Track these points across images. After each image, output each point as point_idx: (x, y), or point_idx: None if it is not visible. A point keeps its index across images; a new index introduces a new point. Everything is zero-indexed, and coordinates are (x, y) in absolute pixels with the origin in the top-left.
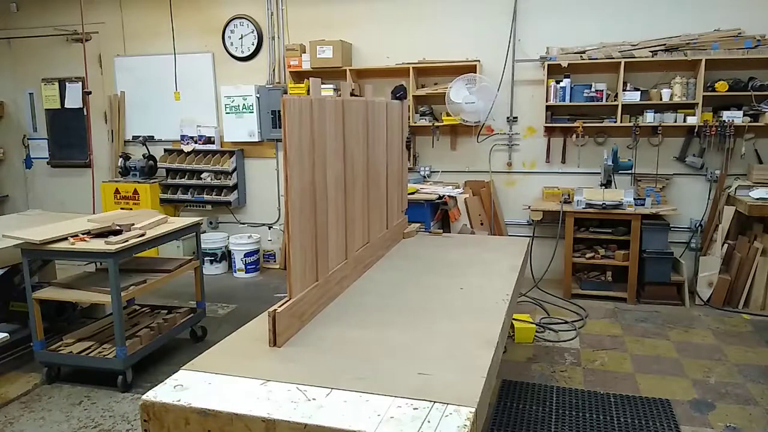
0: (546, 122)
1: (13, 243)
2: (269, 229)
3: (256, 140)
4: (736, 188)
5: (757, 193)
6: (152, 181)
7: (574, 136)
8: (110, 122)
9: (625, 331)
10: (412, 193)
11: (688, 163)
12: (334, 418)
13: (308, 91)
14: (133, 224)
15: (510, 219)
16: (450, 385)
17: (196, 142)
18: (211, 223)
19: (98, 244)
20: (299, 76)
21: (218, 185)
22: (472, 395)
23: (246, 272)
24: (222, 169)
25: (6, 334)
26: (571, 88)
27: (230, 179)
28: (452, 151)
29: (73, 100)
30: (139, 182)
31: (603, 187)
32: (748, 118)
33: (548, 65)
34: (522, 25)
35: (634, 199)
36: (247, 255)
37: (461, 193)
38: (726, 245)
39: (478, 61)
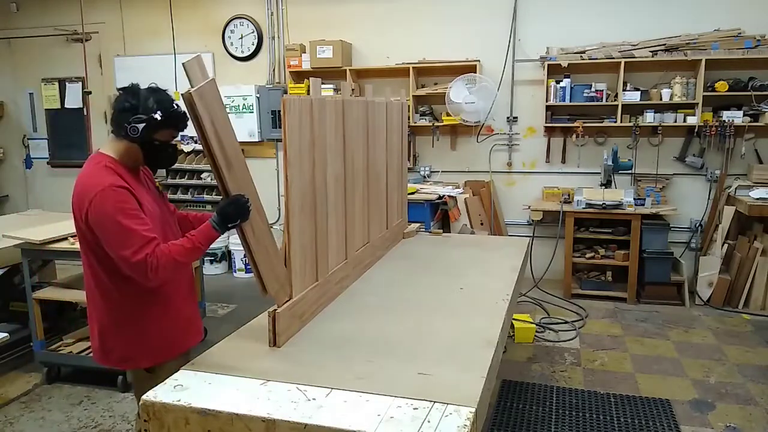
0: (546, 122)
1: (13, 243)
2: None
3: (256, 140)
4: (736, 188)
5: (757, 193)
6: None
7: (574, 136)
8: (110, 122)
9: (625, 331)
10: (412, 193)
11: (688, 163)
12: (334, 418)
13: (308, 91)
14: None
15: (510, 219)
16: (450, 385)
17: (196, 142)
18: None
19: None
20: (299, 76)
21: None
22: (472, 395)
23: (246, 272)
24: None
25: (6, 334)
26: (571, 88)
27: None
28: (452, 151)
29: (73, 100)
30: None
31: (603, 187)
32: (748, 118)
33: (548, 65)
34: (522, 25)
35: (634, 199)
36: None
37: (461, 193)
38: (726, 245)
39: (478, 61)
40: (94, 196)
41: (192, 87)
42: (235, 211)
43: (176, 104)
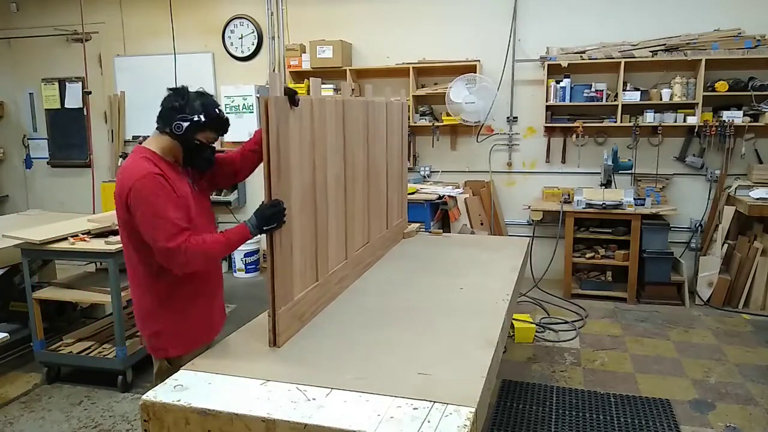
0: (546, 122)
1: (13, 243)
2: None
3: None
4: (736, 188)
5: (757, 193)
6: None
7: (574, 136)
8: (110, 122)
9: (625, 331)
10: (412, 193)
11: (688, 163)
12: (334, 418)
13: (308, 91)
14: None
15: (510, 219)
16: (450, 385)
17: None
18: None
19: (98, 244)
20: (299, 76)
21: None
22: (472, 395)
23: (246, 272)
24: None
25: (6, 334)
26: (571, 88)
27: None
28: (452, 151)
29: (73, 100)
30: None
31: (603, 187)
32: (748, 118)
33: (548, 65)
34: (522, 25)
35: (634, 199)
36: (247, 255)
37: (461, 193)
38: (726, 245)
39: (478, 61)
40: (134, 182)
41: (270, 95)
42: (273, 214)
43: (219, 109)
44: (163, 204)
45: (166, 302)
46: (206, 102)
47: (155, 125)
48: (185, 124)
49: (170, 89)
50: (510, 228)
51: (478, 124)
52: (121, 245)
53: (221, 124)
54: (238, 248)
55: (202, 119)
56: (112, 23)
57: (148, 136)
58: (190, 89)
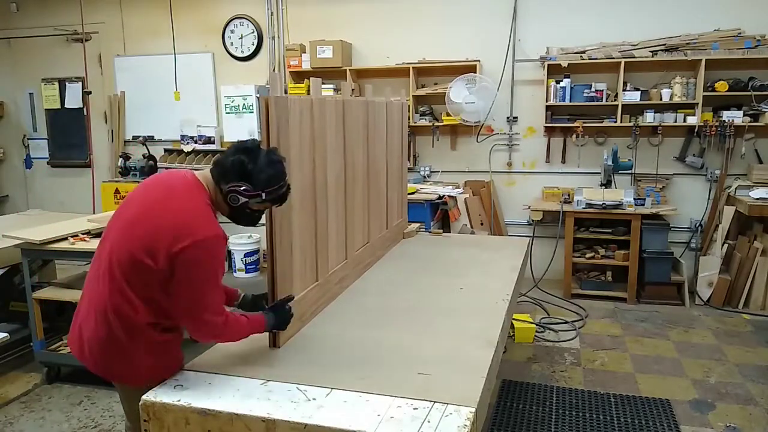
0: (546, 122)
1: (13, 243)
2: None
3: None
4: (736, 188)
5: (757, 193)
6: None
7: (574, 136)
8: (110, 122)
9: (625, 331)
10: (412, 193)
11: (688, 163)
12: (334, 418)
13: (308, 91)
14: None
15: (510, 219)
16: (450, 385)
17: (196, 142)
18: None
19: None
20: (299, 76)
21: None
22: (472, 395)
23: (246, 272)
24: None
25: (6, 334)
26: (571, 88)
27: None
28: (452, 151)
29: (73, 100)
30: (139, 182)
31: (603, 187)
32: (748, 118)
33: (548, 65)
34: (522, 25)
35: (634, 199)
36: (247, 255)
37: (461, 193)
38: (726, 245)
39: (478, 61)
40: (204, 239)
41: (271, 95)
42: (286, 320)
43: (284, 182)
44: (217, 276)
45: (143, 340)
46: (274, 174)
47: (211, 167)
48: (242, 199)
49: (240, 145)
50: (510, 228)
51: (478, 124)
52: None
53: (281, 200)
54: (239, 249)
55: (263, 197)
56: (112, 23)
57: (150, 137)
58: (261, 147)
